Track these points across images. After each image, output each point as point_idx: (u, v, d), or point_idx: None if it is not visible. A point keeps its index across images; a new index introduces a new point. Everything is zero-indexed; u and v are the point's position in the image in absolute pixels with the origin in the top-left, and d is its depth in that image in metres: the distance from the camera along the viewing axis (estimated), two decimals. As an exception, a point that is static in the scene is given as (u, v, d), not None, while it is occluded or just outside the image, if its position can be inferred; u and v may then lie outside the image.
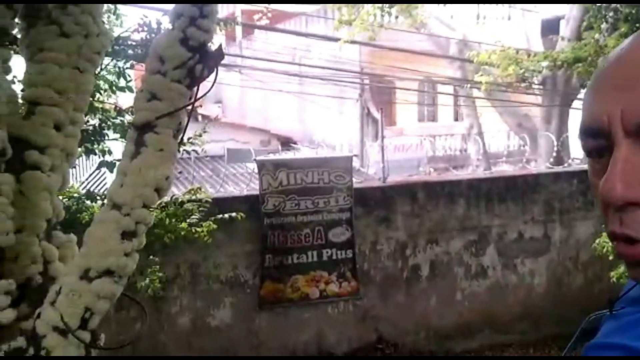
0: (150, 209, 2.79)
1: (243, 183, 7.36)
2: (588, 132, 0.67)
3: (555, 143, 8.12)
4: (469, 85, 10.18)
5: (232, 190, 6.61)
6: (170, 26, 2.99)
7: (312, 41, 12.87)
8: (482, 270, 7.28)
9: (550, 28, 13.54)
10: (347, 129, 14.87)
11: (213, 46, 3.08)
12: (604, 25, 5.34)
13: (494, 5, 13.75)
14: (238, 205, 5.94)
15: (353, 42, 8.94)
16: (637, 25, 5.00)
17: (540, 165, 9.36)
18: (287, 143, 15.40)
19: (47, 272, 2.78)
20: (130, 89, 3.59)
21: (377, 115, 15.49)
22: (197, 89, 2.96)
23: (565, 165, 8.33)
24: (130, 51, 3.59)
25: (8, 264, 2.56)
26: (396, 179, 7.25)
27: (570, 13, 9.12)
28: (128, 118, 3.78)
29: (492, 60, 9.38)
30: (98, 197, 4.06)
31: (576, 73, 5.54)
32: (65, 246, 2.95)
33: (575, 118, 10.43)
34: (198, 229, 4.39)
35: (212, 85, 3.05)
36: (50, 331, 2.48)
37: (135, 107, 2.89)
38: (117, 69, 3.57)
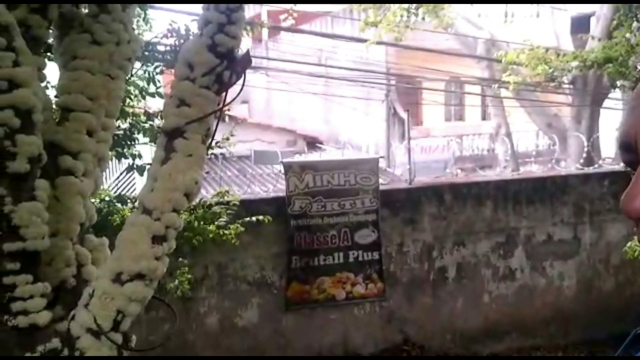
0: (180, 213, 2.84)
1: (270, 183, 7.41)
2: (621, 146, 0.70)
3: (585, 143, 7.99)
4: (497, 85, 10.07)
5: (259, 191, 6.65)
6: (198, 33, 3.05)
7: (338, 42, 12.88)
8: (509, 272, 7.21)
9: (580, 26, 13.33)
10: (373, 130, 14.85)
11: (241, 52, 3.13)
12: (635, 24, 5.25)
13: (522, 4, 13.58)
14: (264, 207, 5.99)
15: (380, 43, 8.94)
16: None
17: (570, 165, 9.22)
18: (313, 143, 15.42)
19: (81, 275, 2.85)
20: (160, 95, 3.65)
21: (403, 115, 15.42)
22: (226, 94, 3.01)
23: (596, 166, 8.20)
24: (159, 56, 3.65)
25: (43, 267, 2.63)
26: (423, 180, 7.23)
27: (600, 11, 8.96)
28: (157, 122, 3.85)
29: (521, 60, 9.28)
30: (129, 200, 4.13)
31: (607, 73, 5.45)
32: (97, 249, 3.02)
33: (606, 118, 10.26)
34: (226, 232, 4.44)
35: (240, 90, 3.08)
36: (84, 333, 2.54)
37: (164, 113, 2.96)
38: (147, 75, 3.64)
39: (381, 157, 7.12)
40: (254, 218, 4.97)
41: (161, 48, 3.72)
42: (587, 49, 8.67)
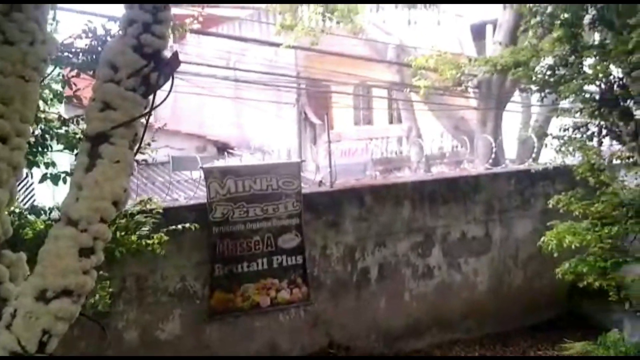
0: (108, 224, 2.68)
1: (189, 190, 7.20)
2: None
3: (493, 145, 8.38)
4: (408, 89, 10.37)
5: (177, 198, 6.44)
6: (121, 32, 2.89)
7: (247, 45, 12.71)
8: (428, 270, 7.42)
9: (479, 33, 14.02)
10: (284, 134, 14.85)
11: (168, 53, 3.00)
12: (540, 30, 5.57)
13: (424, 11, 14.02)
14: (185, 214, 5.81)
15: (295, 47, 8.94)
16: (572, 29, 5.25)
17: (478, 166, 9.64)
18: (223, 149, 15.21)
19: (-2, 293, 2.63)
20: (78, 98, 3.43)
21: (314, 119, 15.57)
22: (154, 97, 2.88)
23: (503, 166, 8.62)
24: (74, 59, 3.44)
25: (-44, 286, 2.40)
26: (341, 183, 7.28)
27: (503, 18, 9.45)
28: (73, 128, 3.62)
29: (430, 65, 9.62)
30: (42, 212, 3.85)
31: (516, 76, 5.76)
32: (15, 265, 2.79)
33: (509, 120, 10.82)
34: (149, 241, 4.25)
35: (169, 93, 2.96)
36: (7, 356, 2.34)
37: (87, 117, 2.78)
38: (61, 78, 3.40)
39: (303, 161, 7.11)
40: (179, 226, 4.80)
41: (76, 50, 3.50)
42: (491, 54, 9.11)
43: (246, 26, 15.25)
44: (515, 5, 6.25)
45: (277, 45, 9.58)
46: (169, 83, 2.92)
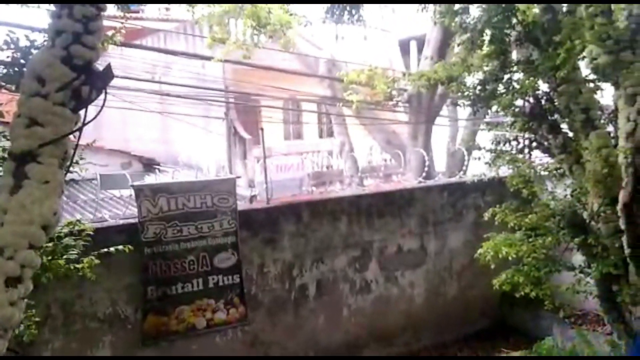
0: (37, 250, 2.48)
1: (115, 209, 6.88)
2: None
3: (426, 158, 8.51)
4: (341, 104, 10.41)
5: (104, 217, 6.11)
6: (48, 43, 2.69)
7: (173, 59, 12.33)
8: (365, 285, 7.40)
9: (407, 48, 14.36)
10: (213, 149, 14.59)
11: (100, 66, 2.82)
12: (470, 46, 5.69)
13: (352, 26, 14.18)
14: (115, 235, 5.53)
15: (225, 60, 8.78)
16: (501, 46, 5.40)
17: (411, 179, 9.78)
18: (149, 165, 14.78)
19: None
20: (0, 114, 3.17)
21: (244, 134, 15.39)
22: (85, 113, 2.69)
23: (436, 179, 8.77)
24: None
25: None
26: (277, 198, 7.17)
27: (431, 34, 9.67)
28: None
29: (361, 79, 9.70)
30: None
31: (449, 91, 5.87)
32: None
33: (437, 134, 11.06)
34: (77, 266, 3.97)
35: (101, 108, 2.78)
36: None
37: (11, 134, 2.56)
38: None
39: (238, 177, 6.94)
40: (112, 248, 4.53)
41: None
42: (419, 69, 9.28)
43: (171, 39, 14.95)
44: (444, 21, 6.38)
45: (207, 58, 9.39)
46: (101, 97, 2.75)
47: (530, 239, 5.06)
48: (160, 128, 15.45)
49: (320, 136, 18.41)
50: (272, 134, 15.99)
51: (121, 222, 5.94)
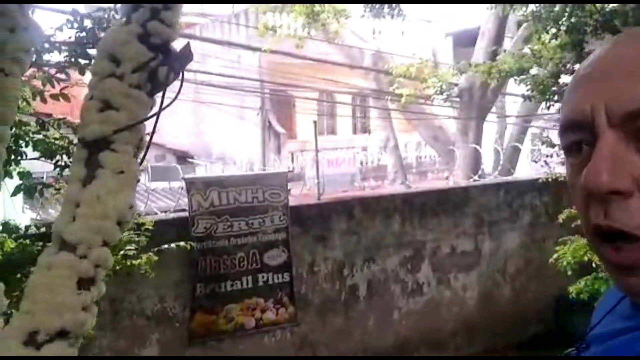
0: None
1: (167, 201, 6.68)
2: (569, 126, 0.68)
3: (480, 155, 8.15)
4: (389, 97, 10.09)
5: (155, 210, 5.93)
6: (123, 19, 2.44)
7: (208, 50, 12.13)
8: (417, 286, 7.08)
9: (455, 41, 13.94)
10: (246, 143, 14.42)
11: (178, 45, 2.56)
12: (544, 36, 5.35)
13: (390, 20, 13.86)
14: (165, 229, 5.31)
15: (274, 51, 8.53)
16: (580, 37, 5.03)
17: (460, 177, 9.43)
18: (183, 157, 14.70)
19: (-32, 336, 2.13)
20: (66, 97, 2.94)
21: (279, 128, 15.18)
22: (163, 97, 2.43)
23: (492, 177, 8.39)
24: (55, 52, 2.96)
25: None
26: (329, 194, 6.91)
27: (485, 26, 9.28)
28: (52, 133, 3.11)
29: (411, 72, 9.36)
30: (16, 229, 3.31)
31: (519, 83, 5.52)
32: (-10, 298, 2.30)
33: (489, 131, 10.67)
34: (134, 262, 3.76)
35: (178, 92, 2.52)
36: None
37: (83, 119, 2.30)
38: (43, 74, 2.90)
39: (290, 171, 6.69)
40: (173, 245, 4.31)
41: (57, 43, 3.02)
42: (474, 60, 8.88)
43: (207, 32, 14.81)
44: (501, 10, 6.03)
45: (256, 49, 9.15)
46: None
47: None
48: (193, 121, 15.35)
49: (354, 132, 18.12)
50: (307, 129, 15.77)
51: (172, 215, 5.73)
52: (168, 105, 2.43)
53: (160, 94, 2.46)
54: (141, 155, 2.37)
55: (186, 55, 2.48)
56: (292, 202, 6.23)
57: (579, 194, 0.66)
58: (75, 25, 2.95)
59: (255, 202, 5.88)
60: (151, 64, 2.34)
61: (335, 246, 6.45)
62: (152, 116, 2.34)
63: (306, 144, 14.12)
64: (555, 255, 5.07)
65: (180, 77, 2.50)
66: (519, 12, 6.03)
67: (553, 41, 5.39)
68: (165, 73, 2.39)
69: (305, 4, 7.39)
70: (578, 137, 0.66)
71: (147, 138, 2.41)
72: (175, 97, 2.47)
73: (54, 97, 2.85)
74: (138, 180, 2.32)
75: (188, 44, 2.53)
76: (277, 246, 6.00)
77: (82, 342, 3.55)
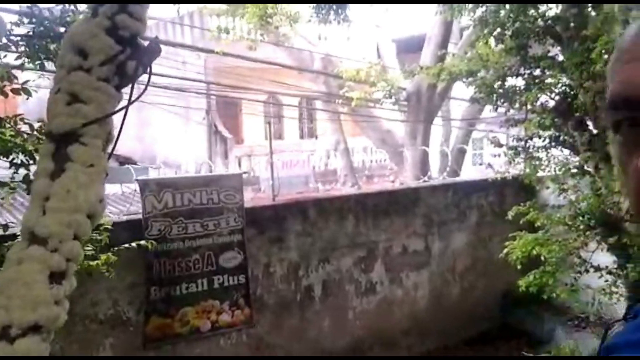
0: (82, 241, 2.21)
1: (115, 207, 6.53)
2: (622, 102, 0.64)
3: (428, 157, 8.34)
4: (340, 101, 10.19)
5: (108, 214, 5.78)
6: (89, 13, 2.41)
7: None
8: (371, 286, 7.18)
9: (401, 46, 14.21)
10: (193, 148, 14.27)
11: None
12: (490, 41, 5.55)
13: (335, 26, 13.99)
14: (119, 232, 5.18)
15: (225, 54, 8.48)
16: (524, 41, 5.25)
17: (408, 179, 9.61)
18: (126, 163, 14.36)
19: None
20: (27, 92, 2.84)
21: (225, 133, 15.08)
22: (131, 91, 2.42)
23: (441, 178, 8.60)
24: (12, 48, 2.87)
25: None
26: (283, 196, 6.92)
27: (432, 31, 9.53)
28: (7, 130, 3.01)
29: (361, 76, 9.50)
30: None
31: (469, 86, 5.70)
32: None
33: (436, 134, 10.93)
34: (92, 263, 3.67)
35: (146, 86, 2.52)
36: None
37: (50, 112, 2.27)
38: (2, 68, 2.80)
39: (246, 172, 6.67)
40: (133, 244, 4.23)
41: (15, 37, 2.93)
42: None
43: (151, 34, 14.55)
44: (449, 14, 6.24)
45: (207, 51, 9.08)
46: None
47: (560, 239, 4.90)
48: (136, 124, 15.04)
49: (301, 136, 18.19)
50: (254, 134, 15.72)
51: (125, 218, 5.62)
52: (137, 99, 2.42)
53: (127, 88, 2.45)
54: (109, 149, 2.35)
55: (154, 49, 2.47)
56: (247, 204, 6.22)
57: (635, 174, 0.62)
58: (34, 20, 2.88)
59: (210, 203, 5.84)
60: (119, 57, 2.32)
61: (290, 247, 6.48)
62: (120, 109, 2.33)
63: (254, 149, 14.08)
64: (505, 250, 5.26)
65: (147, 72, 2.50)
66: (466, 16, 6.23)
67: (499, 45, 5.61)
68: (133, 67, 2.38)
69: (258, 5, 7.40)
70: (632, 114, 0.63)
71: (115, 132, 2.40)
72: (143, 91, 2.46)
73: (15, 92, 2.77)
74: (106, 174, 2.30)
75: (156, 38, 2.52)
76: (232, 248, 5.97)
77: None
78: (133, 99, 2.36)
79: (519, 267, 5.01)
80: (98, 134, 2.24)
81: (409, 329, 7.54)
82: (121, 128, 2.36)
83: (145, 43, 2.44)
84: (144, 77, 2.44)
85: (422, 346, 7.63)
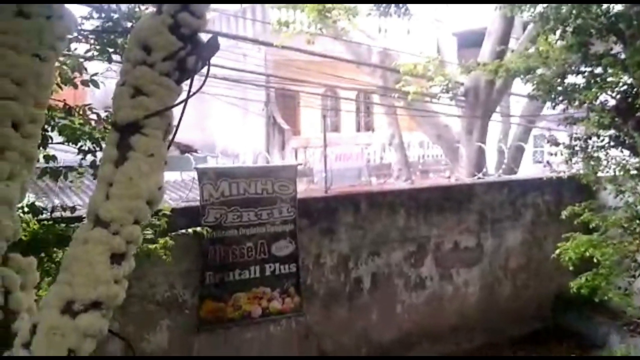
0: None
1: (175, 193, 6.80)
2: None
3: (484, 154, 8.25)
4: (396, 95, 10.17)
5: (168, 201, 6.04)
6: (154, 10, 2.56)
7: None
8: (420, 281, 7.20)
9: (465, 42, 14.02)
10: (251, 138, 14.53)
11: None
12: (551, 37, 5.46)
13: (396, 19, 13.88)
14: (176, 219, 5.41)
15: (285, 47, 8.62)
16: (586, 38, 5.14)
17: (463, 175, 9.52)
18: (187, 152, 14.78)
19: (8, 304, 2.26)
20: (95, 84, 3.06)
21: (283, 124, 15.28)
22: (190, 85, 2.56)
23: (496, 175, 8.49)
24: (83, 42, 3.08)
25: (-37, 297, 2.04)
26: (336, 188, 7.02)
27: (492, 26, 9.38)
28: (77, 119, 3.23)
29: (418, 71, 9.45)
30: (45, 210, 3.44)
31: (527, 82, 5.63)
32: (25, 272, 2.43)
33: (494, 131, 10.76)
34: (151, 246, 3.88)
35: (205, 80, 2.65)
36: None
37: (116, 104, 2.43)
38: (73, 60, 3.02)
39: (300, 164, 6.81)
40: (189, 230, 4.43)
41: (85, 32, 3.14)
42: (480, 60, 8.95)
43: (213, 26, 14.87)
44: (509, 10, 6.14)
45: (263, 43, 9.25)
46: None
47: (614, 242, 4.80)
48: (198, 115, 15.41)
49: (358, 129, 18.21)
50: (311, 126, 15.85)
51: (183, 205, 5.85)
52: (195, 93, 2.56)
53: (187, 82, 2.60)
54: (169, 140, 2.50)
55: (213, 45, 2.60)
56: (300, 195, 6.35)
57: None
58: (103, 14, 3.07)
59: (264, 193, 6.01)
60: (180, 53, 2.47)
61: (341, 239, 6.58)
62: (180, 103, 2.47)
63: (310, 140, 14.23)
64: (557, 251, 5.18)
65: (206, 67, 2.64)
66: (526, 13, 6.12)
67: (560, 42, 5.51)
68: (193, 62, 2.52)
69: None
70: None
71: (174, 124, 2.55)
72: (202, 85, 2.60)
73: (84, 83, 2.98)
74: (165, 163, 2.44)
75: (215, 35, 2.65)
76: (284, 237, 6.12)
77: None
78: (192, 92, 2.49)
79: (570, 268, 4.94)
80: (159, 126, 2.39)
81: (457, 325, 7.51)
82: (180, 120, 2.51)
83: (206, 38, 2.58)
84: (203, 71, 2.58)
85: (471, 343, 7.59)
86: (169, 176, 7.98)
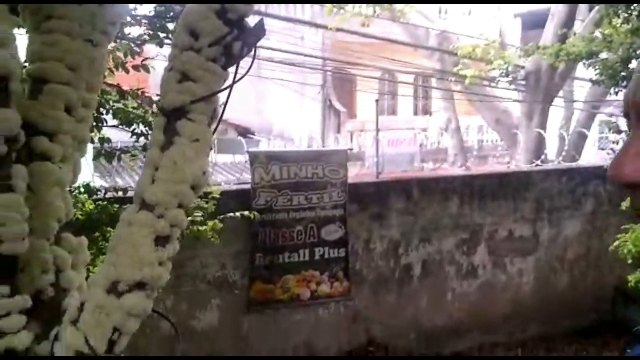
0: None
1: (226, 175, 6.92)
2: (624, 114, 0.68)
3: (544, 140, 8.00)
4: (453, 79, 9.97)
5: (220, 182, 6.17)
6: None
7: (272, 24, 12.15)
8: (472, 269, 7.08)
9: (529, 23, 13.59)
10: (306, 121, 14.55)
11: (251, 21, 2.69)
12: (615, 20, 5.20)
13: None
14: (228, 200, 5.51)
15: (339, 29, 8.58)
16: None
17: (521, 162, 9.27)
18: (244, 134, 14.98)
19: (59, 282, 2.35)
20: (146, 68, 3.14)
21: (339, 107, 15.24)
22: (236, 70, 2.57)
23: (556, 162, 8.22)
24: (136, 26, 3.15)
25: (17, 274, 2.13)
26: (387, 173, 6.97)
27: (555, 8, 9.04)
28: (130, 102, 3.32)
29: (477, 53, 9.22)
30: (99, 191, 3.57)
31: (588, 67, 5.40)
32: (76, 251, 2.51)
33: (555, 116, 10.41)
34: (201, 228, 3.97)
35: (250, 66, 2.65)
36: (72, 355, 2.07)
37: (163, 89, 2.46)
38: (126, 45, 3.10)
39: (350, 149, 6.79)
40: (237, 214, 4.51)
41: (137, 16, 3.21)
42: (542, 43, 8.66)
43: (271, 8, 14.91)
44: None
45: (318, 26, 9.23)
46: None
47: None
48: (255, 97, 15.56)
49: (415, 113, 17.99)
50: (367, 110, 15.74)
51: (234, 187, 5.94)
52: (241, 79, 2.57)
53: (233, 68, 2.61)
54: (214, 125, 2.53)
55: (259, 30, 2.60)
56: (351, 180, 6.33)
57: None
58: None
59: (315, 177, 6.02)
60: (227, 39, 2.48)
61: (391, 225, 6.53)
62: (225, 88, 2.49)
63: (366, 124, 14.15)
64: (615, 243, 4.98)
65: (252, 52, 2.65)
66: (590, -6, 5.86)
67: (624, 25, 5.24)
68: (239, 47, 2.52)
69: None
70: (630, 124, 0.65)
71: (220, 109, 2.57)
72: (248, 71, 2.60)
73: (135, 68, 3.05)
74: (211, 149, 2.48)
75: (262, 20, 2.64)
76: (334, 222, 6.13)
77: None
78: (237, 78, 2.50)
79: (629, 261, 4.74)
80: (204, 111, 2.41)
81: (510, 315, 7.36)
82: (225, 105, 2.53)
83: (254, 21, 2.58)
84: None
85: (524, 333, 7.43)
86: (225, 158, 8.12)
